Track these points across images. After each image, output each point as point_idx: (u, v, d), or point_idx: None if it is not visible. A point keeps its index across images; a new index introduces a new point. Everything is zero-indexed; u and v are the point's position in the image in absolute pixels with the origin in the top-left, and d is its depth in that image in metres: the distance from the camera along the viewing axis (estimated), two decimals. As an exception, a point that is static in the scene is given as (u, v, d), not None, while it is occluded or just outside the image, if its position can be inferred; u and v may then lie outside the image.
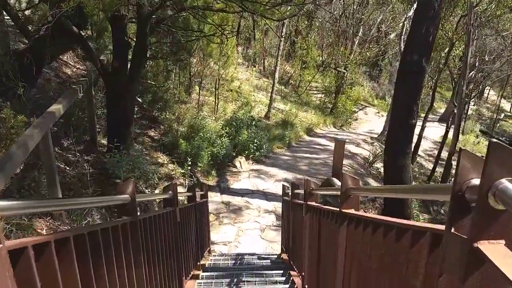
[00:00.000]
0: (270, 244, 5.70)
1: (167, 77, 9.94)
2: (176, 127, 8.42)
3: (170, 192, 2.79)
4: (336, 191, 1.95)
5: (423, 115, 17.26)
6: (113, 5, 4.55)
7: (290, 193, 4.65)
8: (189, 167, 7.10)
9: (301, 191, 3.19)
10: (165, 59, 7.81)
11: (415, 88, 6.32)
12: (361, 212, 1.64)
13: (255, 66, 21.51)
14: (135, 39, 6.03)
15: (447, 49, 13.56)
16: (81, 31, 5.79)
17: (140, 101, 8.91)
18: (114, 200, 1.74)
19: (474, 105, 28.98)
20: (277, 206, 7.00)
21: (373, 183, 9.90)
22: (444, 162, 14.39)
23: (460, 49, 15.46)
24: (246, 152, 9.14)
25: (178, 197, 3.44)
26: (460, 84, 11.24)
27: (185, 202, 3.87)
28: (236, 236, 5.84)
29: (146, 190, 6.14)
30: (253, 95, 15.51)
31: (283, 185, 4.90)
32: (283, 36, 13.40)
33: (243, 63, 20.86)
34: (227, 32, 6.99)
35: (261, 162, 9.34)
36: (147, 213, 2.30)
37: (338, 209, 1.86)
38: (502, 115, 32.21)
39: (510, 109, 34.92)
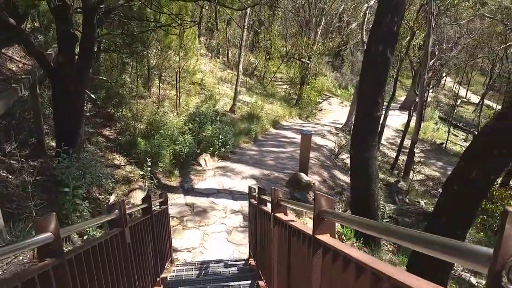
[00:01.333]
0: (237, 247, 5.42)
1: (122, 71, 9.32)
2: (133, 124, 7.88)
3: (116, 211, 2.41)
4: (309, 210, 1.67)
5: (385, 104, 17.54)
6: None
7: (256, 197, 4.37)
8: (149, 168, 6.64)
9: (268, 199, 2.91)
10: (118, 52, 7.23)
11: (380, 79, 6.20)
12: (339, 243, 1.36)
13: (218, 57, 20.98)
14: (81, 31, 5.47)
15: (408, 38, 13.73)
16: (21, 23, 5.15)
17: (94, 97, 8.27)
18: (31, 244, 1.35)
19: (432, 92, 30.01)
20: (244, 205, 6.71)
21: (339, 175, 9.87)
22: (406, 150, 14.72)
23: (420, 38, 15.75)
24: (211, 148, 8.76)
25: (133, 210, 3.05)
26: (421, 72, 11.39)
27: (140, 214, 3.48)
28: (201, 241, 5.51)
29: (100, 197, 5.66)
30: (218, 88, 15.06)
31: (249, 187, 4.61)
32: (246, 27, 13.00)
33: (206, 54, 20.26)
34: (186, 22, 6.53)
35: (227, 158, 9.00)
36: (83, 244, 1.90)
37: (310, 233, 1.57)
38: (459, 101, 33.64)
39: (466, 95, 36.49)
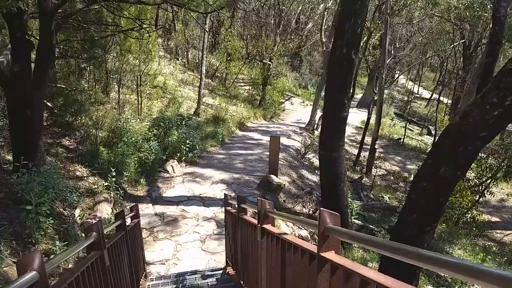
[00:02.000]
0: (213, 255, 5.29)
1: (80, 77, 8.83)
2: (94, 132, 7.49)
3: (94, 234, 2.23)
4: (312, 227, 1.61)
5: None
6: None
7: (234, 205, 4.28)
8: (113, 178, 6.31)
9: (253, 209, 2.83)
10: (76, 57, 6.83)
11: (346, 81, 6.33)
12: (349, 262, 1.32)
13: (178, 59, 20.58)
14: (38, 38, 5.09)
15: (365, 39, 14.18)
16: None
17: (50, 105, 7.78)
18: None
19: (387, 89, 31.31)
20: (217, 211, 6.60)
21: (307, 174, 9.99)
22: (367, 147, 15.22)
23: (376, 38, 16.35)
24: (178, 154, 8.53)
25: (109, 229, 2.86)
26: (379, 71, 11.80)
27: (113, 231, 3.28)
28: (174, 252, 5.32)
29: (64, 212, 5.30)
30: (180, 91, 14.73)
31: (225, 194, 4.50)
32: (208, 29, 12.82)
33: (165, 55, 19.80)
34: (146, 25, 6.28)
35: (195, 164, 8.81)
36: (65, 276, 1.73)
37: (314, 251, 1.52)
38: (412, 96, 35.26)
39: (418, 91, 38.33)
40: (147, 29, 6.36)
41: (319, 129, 16.81)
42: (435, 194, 4.94)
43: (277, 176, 8.01)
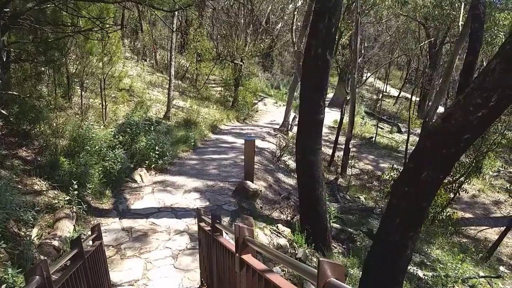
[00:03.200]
0: (186, 273, 4.90)
1: (38, 81, 8.17)
2: (54, 141, 6.90)
3: (37, 278, 1.82)
4: (310, 279, 1.28)
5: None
6: None
7: (209, 223, 3.93)
8: (75, 192, 5.79)
9: (229, 234, 2.50)
10: (31, 61, 6.23)
11: (322, 82, 6.12)
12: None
13: (145, 60, 19.89)
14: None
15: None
16: None
17: (5, 113, 7.10)
18: None
19: (357, 88, 31.72)
20: (190, 223, 6.21)
21: (283, 178, 9.76)
22: (340, 146, 15.21)
23: (346, 38, 16.39)
24: (147, 162, 8.05)
25: (61, 264, 2.44)
26: (351, 71, 11.75)
27: (67, 262, 2.85)
28: (144, 271, 4.89)
29: (20, 232, 4.76)
30: (148, 93, 14.16)
31: (197, 209, 4.14)
32: (176, 29, 12.31)
33: (132, 57, 19.07)
34: (109, 25, 5.80)
35: (165, 171, 8.35)
36: None
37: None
38: (380, 95, 35.99)
39: (385, 89, 39.18)
40: (109, 29, 5.85)
41: (293, 130, 16.70)
42: (417, 199, 4.79)
43: (253, 182, 7.71)
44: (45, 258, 4.46)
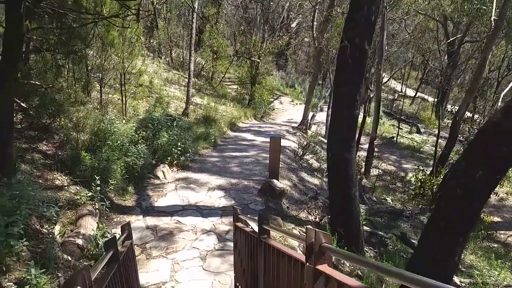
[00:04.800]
0: (216, 276, 4.59)
1: (57, 74, 7.96)
2: (75, 136, 6.65)
3: (79, 288, 1.51)
4: None
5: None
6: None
7: (245, 220, 3.60)
8: (98, 187, 5.53)
9: (297, 241, 2.15)
10: (53, 51, 5.98)
11: (358, 75, 5.73)
12: None
13: (161, 58, 19.72)
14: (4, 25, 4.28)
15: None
16: None
17: (25, 106, 6.90)
18: None
19: (373, 87, 31.09)
20: (216, 222, 5.89)
21: (307, 177, 9.38)
22: (362, 146, 14.78)
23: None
24: (169, 158, 7.76)
25: (100, 269, 2.13)
26: (377, 67, 11.31)
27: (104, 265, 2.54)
28: (172, 273, 4.59)
29: (42, 229, 4.49)
30: (165, 90, 13.93)
31: (233, 208, 3.80)
32: (194, 23, 12.01)
33: (148, 54, 18.91)
34: (132, 14, 5.49)
35: (187, 168, 8.06)
36: None
37: None
38: (396, 95, 35.35)
39: (401, 89, 38.47)
40: (133, 15, 5.55)
41: (312, 128, 16.30)
42: (469, 201, 4.39)
43: (278, 180, 7.37)
44: (88, 268, 4.19)
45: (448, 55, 25.67)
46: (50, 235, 4.24)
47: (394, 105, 31.33)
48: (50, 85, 6.09)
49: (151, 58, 18.65)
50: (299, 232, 6.10)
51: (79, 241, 4.39)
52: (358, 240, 6.22)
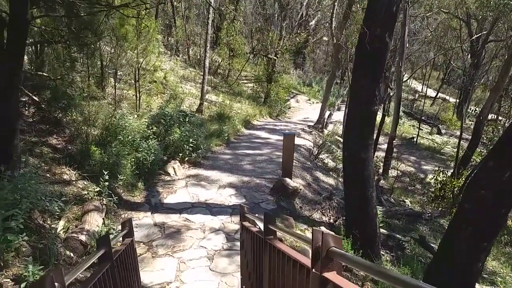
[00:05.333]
0: (223, 277, 4.39)
1: (71, 68, 7.94)
2: (86, 130, 6.58)
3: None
4: None
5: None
6: None
7: (252, 219, 3.38)
8: (106, 183, 5.41)
9: (303, 243, 1.93)
10: (64, 43, 5.90)
11: (378, 68, 5.43)
12: None
13: (178, 56, 19.71)
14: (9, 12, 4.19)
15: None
16: None
17: (37, 99, 6.88)
18: None
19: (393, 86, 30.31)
20: (225, 221, 5.70)
21: (322, 177, 9.09)
22: (380, 146, 14.33)
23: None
24: (181, 154, 7.62)
25: (82, 270, 1.95)
26: (398, 64, 10.89)
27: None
28: (178, 273, 4.42)
29: (45, 224, 4.39)
30: (181, 87, 13.85)
31: (241, 206, 3.59)
32: (211, 20, 11.85)
33: (165, 52, 18.92)
34: (144, 2, 5.32)
35: (199, 165, 7.90)
36: None
37: None
38: (417, 95, 34.49)
39: (422, 89, 37.50)
40: (145, 5, 5.39)
41: (329, 128, 15.94)
42: (496, 203, 4.05)
43: (291, 179, 7.12)
44: (71, 254, 4.07)
45: (471, 55, 24.84)
46: (53, 231, 4.13)
47: (415, 105, 30.54)
48: (59, 77, 5.99)
49: (169, 55, 18.66)
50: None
51: (83, 237, 4.27)
52: (374, 243, 5.92)
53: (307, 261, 1.70)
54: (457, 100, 29.28)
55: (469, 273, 4.38)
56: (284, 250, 2.07)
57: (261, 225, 3.84)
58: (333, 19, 13.82)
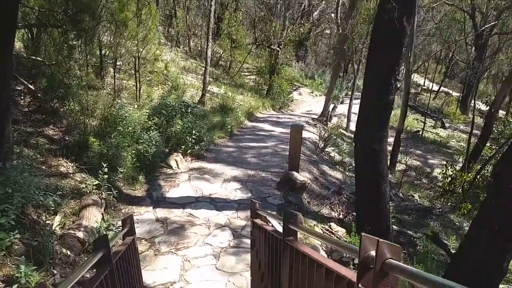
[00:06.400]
0: (231, 277, 4.11)
1: (69, 55, 7.60)
2: (84, 120, 6.26)
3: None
4: None
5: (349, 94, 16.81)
6: None
7: (264, 216, 3.08)
8: (105, 176, 5.11)
9: (344, 250, 1.63)
10: (60, 27, 5.55)
11: (395, 54, 5.10)
12: None
13: (179, 47, 19.31)
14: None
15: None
16: None
17: (33, 88, 6.56)
18: None
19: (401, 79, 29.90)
20: (231, 216, 5.41)
21: (328, 170, 8.79)
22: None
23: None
24: (183, 146, 7.31)
25: (78, 278, 1.65)
26: (407, 54, 10.53)
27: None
28: (182, 272, 4.13)
29: (40, 220, 4.10)
30: (182, 78, 13.48)
31: (252, 201, 3.28)
32: (212, 9, 11.45)
33: (166, 43, 18.51)
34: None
35: (201, 158, 7.60)
36: None
37: None
38: (419, 89, 34.16)
39: (424, 83, 37.08)
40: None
41: (333, 121, 15.61)
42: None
43: (298, 173, 6.82)
44: (68, 252, 3.78)
45: (476, 48, 24.51)
46: (48, 227, 3.83)
47: (417, 98, 30.21)
48: (54, 63, 5.65)
49: (169, 47, 18.27)
50: (322, 230, 5.55)
51: (80, 234, 3.97)
52: (387, 240, 5.62)
53: (349, 273, 1.40)
54: (461, 94, 28.97)
55: (493, 273, 4.10)
56: (313, 256, 1.77)
57: (274, 222, 3.55)
58: (339, 8, 13.43)
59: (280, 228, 2.76)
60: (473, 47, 25.34)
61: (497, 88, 31.37)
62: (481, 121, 23.44)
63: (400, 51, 5.13)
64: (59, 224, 4.17)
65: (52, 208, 4.17)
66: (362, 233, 1.27)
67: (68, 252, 3.85)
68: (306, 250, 1.92)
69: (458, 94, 30.61)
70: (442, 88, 33.09)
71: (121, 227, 3.08)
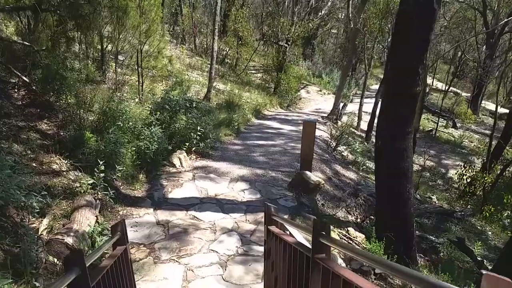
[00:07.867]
0: (240, 289, 3.62)
1: (68, 46, 7.17)
2: (80, 114, 5.81)
3: None
4: None
5: (359, 92, 16.18)
6: None
7: (280, 222, 2.59)
8: (102, 174, 4.65)
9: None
10: (53, 12, 5.09)
11: (422, 39, 4.58)
12: None
13: (184, 44, 18.88)
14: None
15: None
16: None
17: (27, 80, 6.12)
18: None
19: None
20: (239, 219, 4.92)
21: (341, 170, 8.27)
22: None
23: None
24: (187, 144, 6.83)
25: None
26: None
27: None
28: (184, 283, 3.65)
29: (24, 222, 3.62)
30: (187, 75, 13.04)
31: (266, 205, 2.78)
32: (218, 3, 10.97)
33: (171, 40, 18.10)
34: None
35: (207, 156, 7.11)
36: None
37: None
38: (428, 88, 33.50)
39: (432, 83, 36.30)
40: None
41: (343, 119, 15.05)
42: None
43: (311, 172, 6.31)
44: (54, 259, 3.30)
45: (487, 46, 23.94)
46: (31, 231, 3.36)
47: (427, 98, 29.59)
48: (44, 48, 5.18)
49: (174, 44, 17.87)
50: (339, 236, 5.04)
51: (69, 240, 3.50)
52: (410, 247, 5.11)
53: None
54: (471, 94, 28.34)
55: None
56: (358, 283, 1.27)
57: (293, 230, 3.05)
58: (350, 1, 12.90)
59: (303, 240, 2.26)
60: (484, 46, 24.74)
61: (506, 87, 30.65)
62: (491, 121, 22.83)
63: (429, 34, 4.60)
64: (46, 228, 3.70)
65: (37, 210, 3.68)
66: (484, 272, 0.77)
67: (55, 260, 3.37)
68: (348, 275, 1.42)
69: (467, 94, 29.95)
70: (451, 88, 32.39)
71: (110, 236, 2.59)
